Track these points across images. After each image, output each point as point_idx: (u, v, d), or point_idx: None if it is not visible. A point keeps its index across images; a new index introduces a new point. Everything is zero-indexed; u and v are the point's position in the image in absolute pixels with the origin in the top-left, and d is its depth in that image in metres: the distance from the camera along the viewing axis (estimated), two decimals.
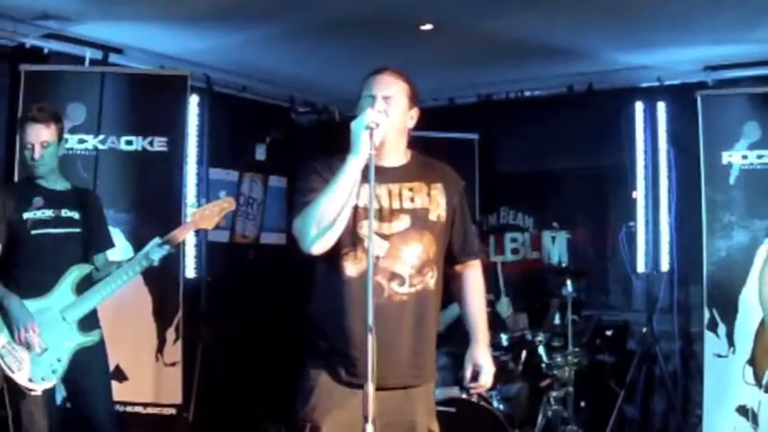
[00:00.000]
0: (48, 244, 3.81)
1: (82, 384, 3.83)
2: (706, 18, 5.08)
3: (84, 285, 3.84)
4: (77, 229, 3.91)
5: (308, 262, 2.82)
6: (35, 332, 3.65)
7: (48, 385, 3.70)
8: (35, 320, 3.67)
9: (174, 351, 5.26)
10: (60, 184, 3.95)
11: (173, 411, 5.20)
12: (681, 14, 5.04)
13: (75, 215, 3.91)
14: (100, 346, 3.90)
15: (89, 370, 3.83)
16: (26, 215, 3.79)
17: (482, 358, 2.97)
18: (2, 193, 3.95)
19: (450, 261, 3.00)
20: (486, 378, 2.97)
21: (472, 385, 2.98)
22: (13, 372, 3.63)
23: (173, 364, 5.25)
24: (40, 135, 3.82)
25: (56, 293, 3.77)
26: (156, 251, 3.79)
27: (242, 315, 6.24)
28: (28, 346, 3.66)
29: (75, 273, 3.84)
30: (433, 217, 2.86)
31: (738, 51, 5.60)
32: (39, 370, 3.67)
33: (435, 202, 2.88)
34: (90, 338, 3.82)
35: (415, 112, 2.91)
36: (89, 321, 3.85)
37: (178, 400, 5.25)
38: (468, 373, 2.97)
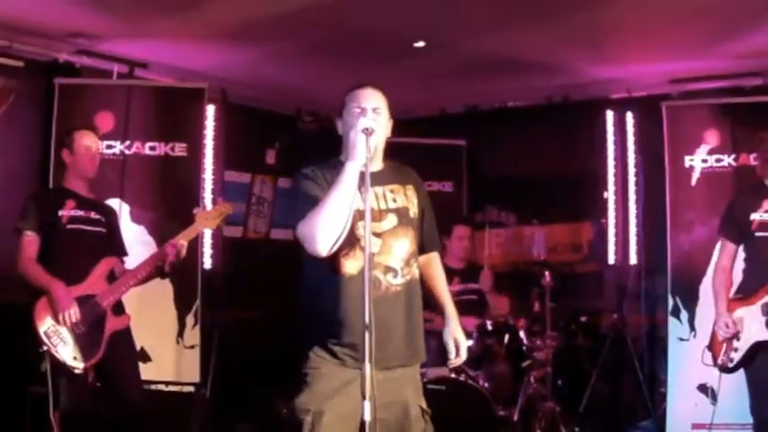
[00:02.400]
0: (81, 238, 3.86)
1: (115, 365, 3.84)
2: (671, 36, 5.10)
3: (113, 276, 3.90)
4: (104, 230, 3.97)
5: (300, 260, 2.75)
6: (77, 315, 3.68)
7: (89, 364, 3.72)
8: (77, 305, 3.69)
9: (193, 335, 5.28)
10: (86, 192, 3.99)
11: (191, 389, 5.22)
12: (648, 33, 5.06)
13: (102, 218, 3.97)
14: (129, 330, 3.94)
15: (121, 352, 3.86)
16: (60, 212, 3.84)
17: (459, 333, 3.00)
18: (38, 192, 4.00)
19: (419, 252, 2.99)
20: (464, 352, 3.00)
21: (455, 360, 3.01)
22: (58, 351, 3.65)
23: (192, 347, 5.27)
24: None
25: (91, 281, 3.80)
26: None
27: (254, 302, 6.24)
28: (70, 328, 3.68)
29: (107, 264, 3.88)
30: (411, 214, 2.88)
31: (700, 66, 5.63)
32: (81, 350, 3.69)
33: (411, 201, 2.90)
34: (122, 322, 3.87)
35: (390, 123, 2.91)
36: (119, 308, 3.89)
37: (196, 379, 5.26)
38: (452, 348, 2.98)
